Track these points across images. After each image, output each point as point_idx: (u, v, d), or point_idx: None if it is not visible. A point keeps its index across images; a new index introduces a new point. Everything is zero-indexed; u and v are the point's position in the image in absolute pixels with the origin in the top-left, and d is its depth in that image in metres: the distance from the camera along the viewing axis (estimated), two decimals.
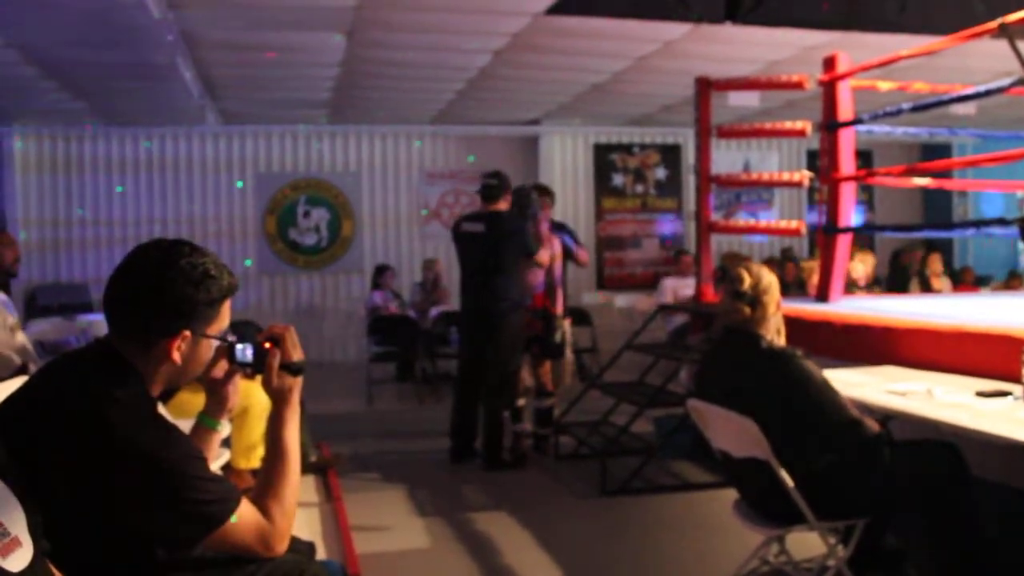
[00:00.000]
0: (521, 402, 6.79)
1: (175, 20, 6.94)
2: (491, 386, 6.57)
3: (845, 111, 6.12)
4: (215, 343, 2.16)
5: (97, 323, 7.17)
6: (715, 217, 7.63)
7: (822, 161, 6.32)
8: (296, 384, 2.22)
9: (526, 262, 6.62)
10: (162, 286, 2.04)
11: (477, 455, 6.63)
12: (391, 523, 5.27)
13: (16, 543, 1.67)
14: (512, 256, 6.52)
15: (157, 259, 2.07)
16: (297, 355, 2.21)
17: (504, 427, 6.60)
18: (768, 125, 7.78)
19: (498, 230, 6.54)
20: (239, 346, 2.23)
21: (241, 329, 2.67)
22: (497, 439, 6.53)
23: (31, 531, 1.72)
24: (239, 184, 12.33)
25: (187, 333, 2.07)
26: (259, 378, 2.23)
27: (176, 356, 2.07)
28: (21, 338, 5.40)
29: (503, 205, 6.63)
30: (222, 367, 2.28)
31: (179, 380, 2.17)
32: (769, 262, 11.22)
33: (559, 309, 6.85)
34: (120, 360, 2.04)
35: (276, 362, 2.19)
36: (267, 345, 2.20)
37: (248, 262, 12.34)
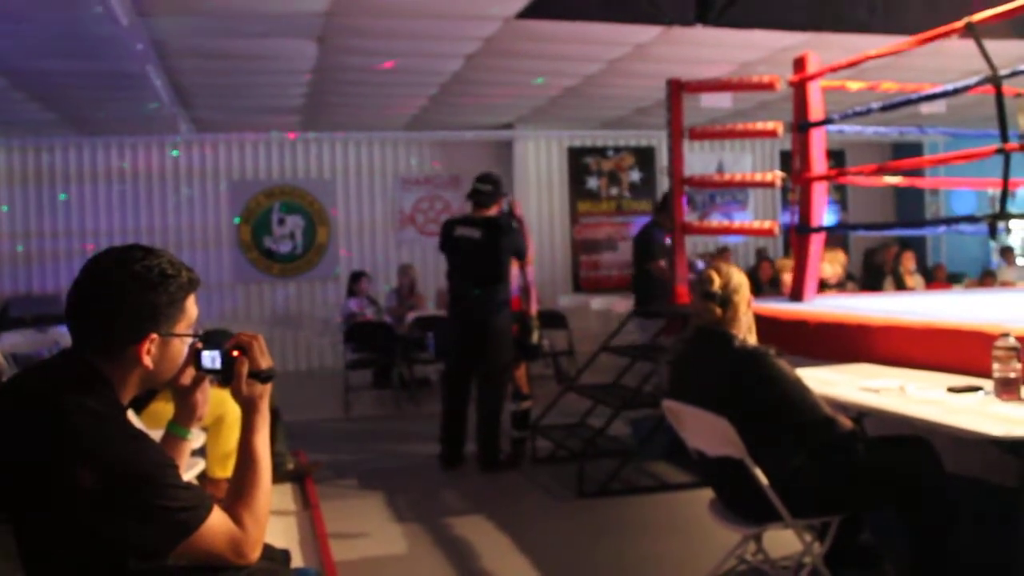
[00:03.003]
0: (528, 404, 6.82)
1: (144, 28, 6.91)
2: (489, 389, 6.60)
3: (816, 111, 6.15)
4: (187, 340, 2.15)
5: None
6: (689, 218, 7.64)
7: (794, 161, 6.35)
8: (265, 392, 2.21)
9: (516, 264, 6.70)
10: (121, 294, 2.02)
11: (465, 460, 6.63)
12: (369, 530, 5.25)
13: None
14: (508, 261, 6.61)
15: (111, 268, 2.05)
16: (265, 362, 2.20)
17: (502, 428, 6.61)
18: (740, 126, 7.80)
19: (496, 236, 6.57)
20: (206, 353, 2.21)
21: (215, 337, 2.65)
22: (495, 440, 6.55)
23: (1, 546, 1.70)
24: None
25: (154, 336, 2.06)
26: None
27: (147, 361, 2.06)
28: None
29: (495, 210, 6.66)
30: (189, 374, 2.26)
31: (154, 382, 2.16)
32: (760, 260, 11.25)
33: (534, 310, 6.87)
34: (88, 369, 2.03)
35: (244, 370, 2.18)
36: (235, 353, 2.19)
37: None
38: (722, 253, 11.99)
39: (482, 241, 6.58)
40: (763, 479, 3.33)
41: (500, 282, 6.60)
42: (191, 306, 2.14)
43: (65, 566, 1.94)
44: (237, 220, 12.37)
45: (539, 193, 12.85)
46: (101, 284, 2.04)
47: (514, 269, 6.87)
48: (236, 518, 2.08)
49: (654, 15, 7.06)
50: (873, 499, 3.58)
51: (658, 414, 5.15)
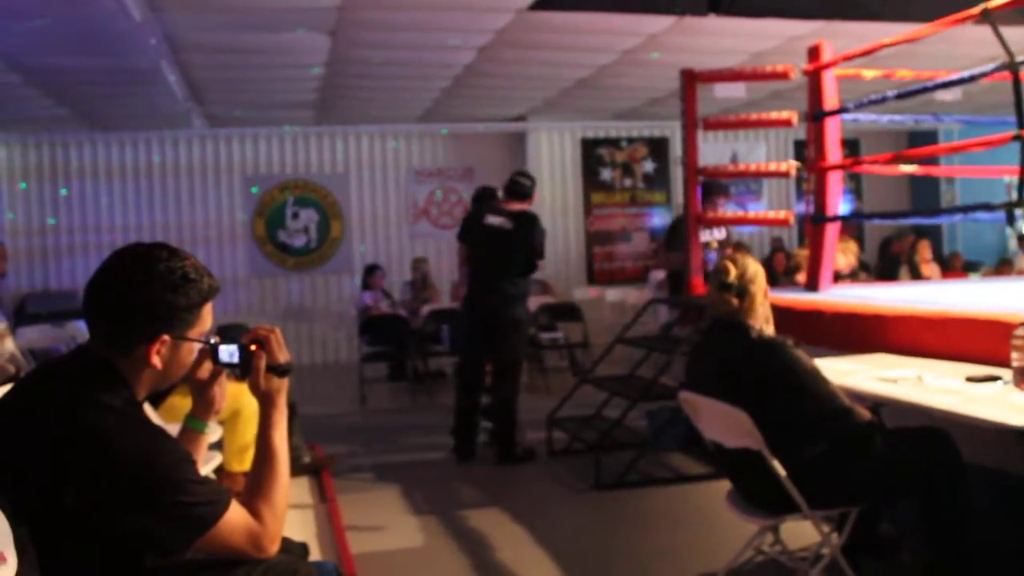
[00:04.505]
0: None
1: (157, 24, 6.92)
2: (505, 382, 6.60)
3: (830, 100, 6.12)
4: (197, 346, 2.15)
5: (86, 330, 7.13)
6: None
7: (809, 150, 6.32)
8: (283, 385, 2.20)
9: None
10: (140, 292, 2.02)
11: (478, 453, 6.63)
12: (386, 523, 5.26)
13: (0, 559, 1.65)
14: (531, 256, 6.62)
15: (134, 264, 2.05)
16: (283, 356, 2.19)
17: (518, 421, 6.61)
18: (754, 116, 7.78)
19: (527, 229, 6.60)
20: (223, 347, 2.21)
21: (231, 332, 2.65)
22: (512, 433, 6.54)
23: (16, 544, 1.70)
24: None
25: (166, 338, 2.05)
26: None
27: (156, 361, 2.05)
28: (11, 345, 5.37)
29: (527, 206, 6.68)
30: (207, 368, 2.26)
31: (162, 384, 2.15)
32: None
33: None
34: (104, 365, 2.03)
35: (262, 364, 2.17)
36: (252, 347, 2.18)
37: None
38: (738, 248, 11.95)
39: (513, 232, 6.59)
40: (781, 470, 3.32)
41: (525, 276, 6.65)
42: (207, 313, 2.14)
43: (82, 563, 1.95)
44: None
45: (552, 185, 12.84)
46: (122, 279, 2.04)
47: None
48: (254, 512, 2.08)
49: (667, 5, 7.04)
50: (891, 490, 3.56)
51: (674, 405, 5.14)
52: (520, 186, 6.73)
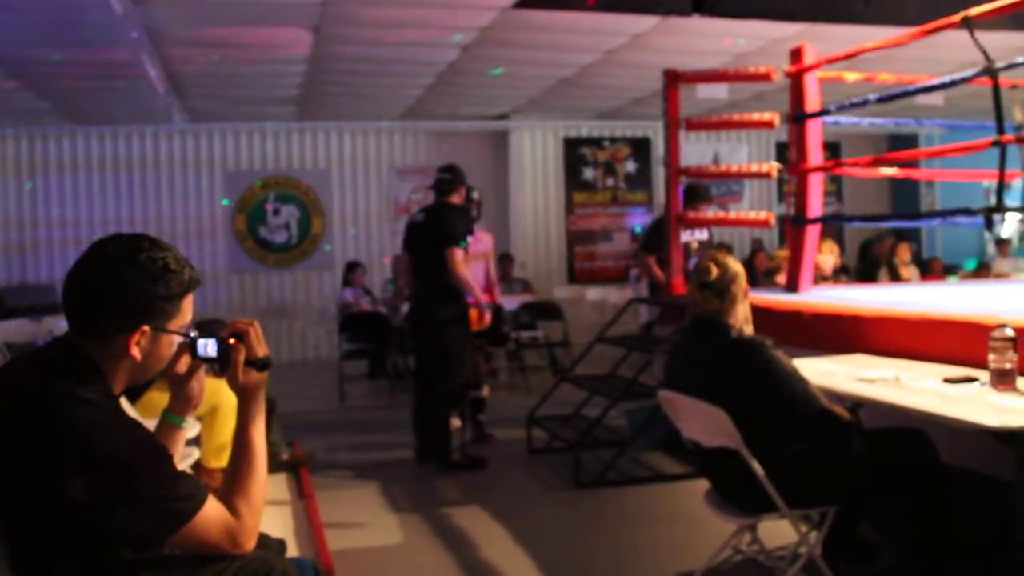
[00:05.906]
0: (485, 392, 6.78)
1: (138, 16, 6.88)
2: (437, 382, 6.41)
3: (812, 102, 6.14)
4: (176, 339, 2.13)
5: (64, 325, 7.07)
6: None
7: (790, 152, 6.34)
8: (261, 380, 2.19)
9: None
10: (120, 281, 2.00)
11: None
12: (364, 519, 5.25)
13: None
14: (441, 246, 6.34)
15: (115, 254, 2.04)
16: (262, 350, 2.18)
17: (450, 425, 6.43)
18: (736, 117, 7.79)
19: (434, 219, 6.45)
20: (201, 341, 2.19)
21: (210, 327, 2.63)
22: (440, 437, 6.36)
23: None
24: None
25: (146, 328, 2.04)
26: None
27: (135, 352, 2.03)
28: None
29: (455, 199, 6.59)
30: (185, 362, 2.25)
31: (140, 377, 2.13)
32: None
33: (498, 300, 7.09)
34: (81, 358, 2.01)
35: (241, 358, 2.16)
36: (231, 341, 2.17)
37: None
38: (719, 248, 11.96)
39: (425, 225, 6.47)
40: (759, 469, 3.33)
41: (440, 266, 6.31)
42: (187, 306, 2.12)
43: (58, 558, 1.93)
44: (225, 201, 12.39)
45: (534, 184, 12.84)
46: (102, 269, 2.03)
47: (477, 268, 6.82)
48: (232, 507, 2.07)
49: (651, 5, 7.06)
50: (869, 490, 3.58)
51: (654, 404, 5.15)
52: (440, 181, 6.58)
